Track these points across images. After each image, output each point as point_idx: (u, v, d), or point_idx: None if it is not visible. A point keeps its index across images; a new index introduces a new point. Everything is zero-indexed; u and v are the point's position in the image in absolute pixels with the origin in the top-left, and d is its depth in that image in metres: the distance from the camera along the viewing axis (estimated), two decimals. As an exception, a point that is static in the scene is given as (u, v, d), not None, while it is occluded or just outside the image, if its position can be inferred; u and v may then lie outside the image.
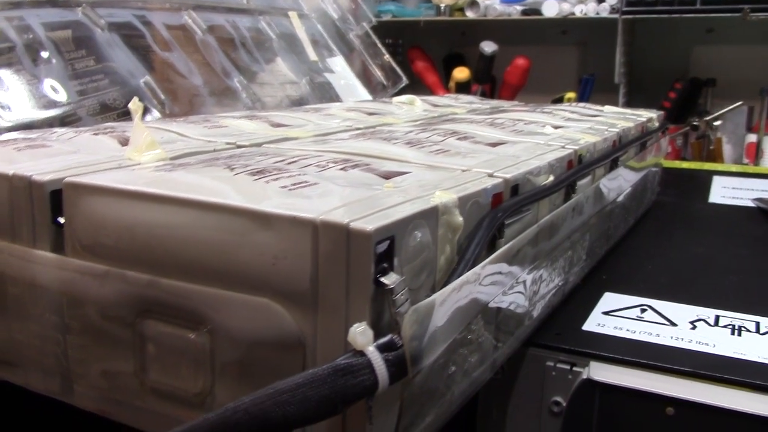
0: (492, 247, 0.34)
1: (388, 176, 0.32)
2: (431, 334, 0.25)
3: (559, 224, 0.43)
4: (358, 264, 0.24)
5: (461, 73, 1.54)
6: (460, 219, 0.30)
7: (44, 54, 0.56)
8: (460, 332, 0.30)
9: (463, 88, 1.52)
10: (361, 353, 0.24)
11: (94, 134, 0.40)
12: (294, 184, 0.29)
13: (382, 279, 0.25)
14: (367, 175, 0.32)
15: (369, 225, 0.24)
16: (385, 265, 0.25)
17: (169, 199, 0.27)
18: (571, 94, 1.50)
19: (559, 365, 0.43)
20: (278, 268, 0.25)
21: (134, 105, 0.38)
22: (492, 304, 0.34)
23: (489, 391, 0.46)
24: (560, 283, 0.46)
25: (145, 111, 0.61)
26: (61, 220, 0.31)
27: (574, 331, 0.45)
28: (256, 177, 0.29)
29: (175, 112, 0.64)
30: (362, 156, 0.37)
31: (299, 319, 0.25)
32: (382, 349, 0.24)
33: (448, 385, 0.30)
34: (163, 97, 0.63)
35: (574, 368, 0.42)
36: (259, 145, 0.42)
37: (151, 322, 0.29)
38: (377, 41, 1.04)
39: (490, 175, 0.36)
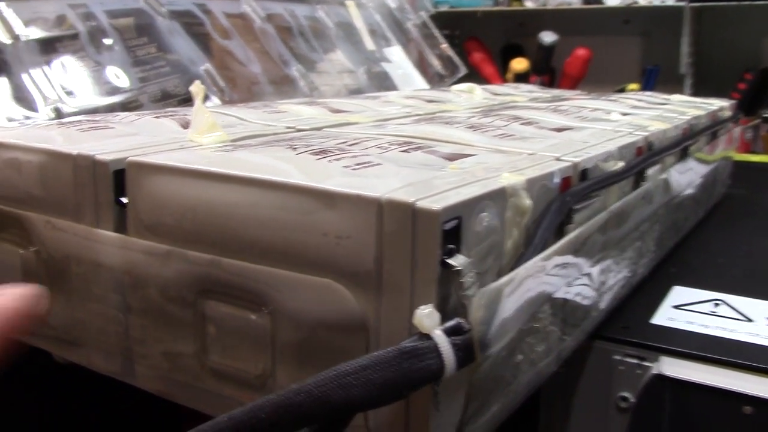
0: (560, 234, 0.32)
1: (452, 158, 0.31)
2: (499, 319, 0.24)
3: (628, 212, 0.41)
4: (424, 244, 0.23)
5: (519, 64, 1.51)
6: (529, 202, 0.29)
7: (107, 41, 0.57)
8: (527, 320, 0.28)
9: (521, 79, 1.49)
10: (427, 336, 0.23)
11: (156, 117, 0.40)
12: (357, 164, 0.28)
13: (449, 260, 0.24)
14: (430, 157, 0.31)
15: (436, 204, 0.23)
16: (452, 246, 0.24)
17: (231, 177, 0.27)
18: (633, 86, 1.46)
19: (626, 359, 0.41)
20: (341, 248, 0.25)
21: (196, 88, 0.38)
22: (559, 294, 0.33)
23: (553, 384, 0.44)
24: (628, 275, 0.44)
25: (205, 98, 0.61)
26: (124, 199, 0.30)
27: (642, 325, 0.44)
28: (318, 157, 0.29)
29: (235, 100, 0.64)
30: (424, 139, 0.36)
31: (363, 301, 0.25)
32: (449, 332, 0.23)
33: (515, 374, 0.29)
34: (222, 84, 0.64)
35: (643, 363, 0.41)
36: (319, 129, 0.42)
37: (212, 303, 0.28)
38: (435, 31, 1.03)
39: (558, 159, 0.34)
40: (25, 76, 0.52)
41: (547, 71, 1.59)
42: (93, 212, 0.31)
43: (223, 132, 0.37)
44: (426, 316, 0.23)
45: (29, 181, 0.33)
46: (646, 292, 0.49)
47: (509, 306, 0.25)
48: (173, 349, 0.30)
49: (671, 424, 0.39)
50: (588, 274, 0.36)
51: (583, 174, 0.35)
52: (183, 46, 0.63)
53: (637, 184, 0.43)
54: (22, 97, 0.51)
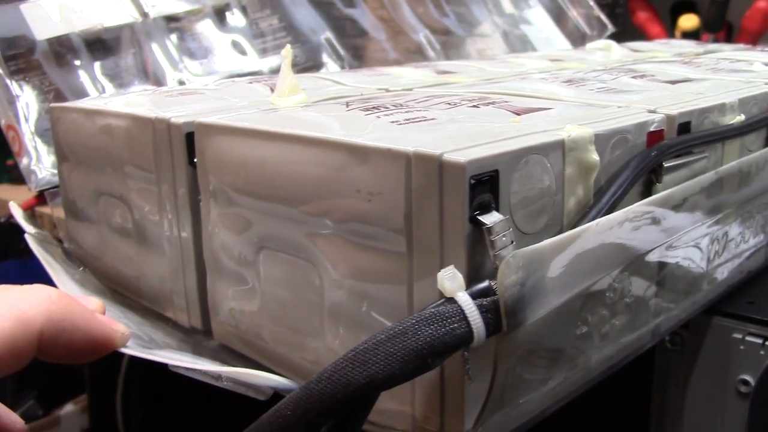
0: (648, 195, 0.29)
1: (521, 112, 0.29)
2: (539, 282, 0.22)
3: (753, 173, 0.36)
4: (451, 200, 0.22)
5: (688, 21, 1.39)
6: (595, 157, 0.26)
7: (230, 14, 0.59)
8: (592, 287, 0.26)
9: (690, 38, 1.37)
10: (452, 300, 0.21)
11: (249, 83, 0.41)
12: (407, 119, 0.27)
13: (481, 217, 0.22)
14: (498, 111, 0.29)
15: (464, 157, 0.22)
16: (487, 202, 0.22)
17: (275, 135, 0.27)
18: (824, 38, 1.29)
19: (749, 338, 0.37)
20: (374, 205, 0.24)
21: (285, 51, 0.38)
22: (649, 259, 0.29)
23: (666, 362, 0.40)
24: (757, 245, 0.39)
25: (323, 67, 0.62)
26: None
27: (771, 301, 0.39)
28: (368, 112, 0.28)
29: (355, 68, 0.64)
30: (507, 95, 0.34)
31: (396, 262, 0.24)
32: (476, 295, 0.21)
33: (580, 347, 0.27)
34: (342, 53, 0.64)
35: (767, 343, 0.36)
36: (410, 89, 0.40)
37: (267, 260, 0.28)
38: (582, -11, 0.97)
39: (651, 111, 0.31)
40: (153, 51, 0.55)
41: (721, 27, 1.44)
42: (170, 173, 0.33)
43: (306, 95, 0.37)
44: (448, 278, 0.21)
45: (119, 145, 0.34)
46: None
47: (557, 268, 0.23)
48: (238, 306, 0.30)
49: (794, 413, 0.34)
50: (697, 237, 0.32)
51: (684, 128, 0.31)
52: (305, 15, 0.64)
53: (769, 142, 0.38)
54: (151, 72, 0.54)
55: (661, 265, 0.31)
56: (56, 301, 0.23)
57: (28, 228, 0.41)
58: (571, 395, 0.28)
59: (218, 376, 0.25)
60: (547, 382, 0.26)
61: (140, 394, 0.68)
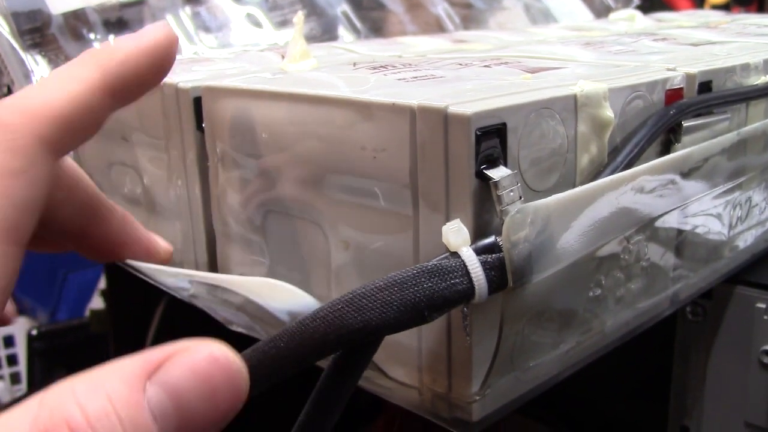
0: (666, 154, 0.28)
1: (534, 71, 0.28)
2: (548, 239, 0.21)
3: (778, 136, 0.35)
4: (457, 154, 0.21)
5: (717, -6, 1.35)
6: (610, 113, 0.25)
7: (246, -14, 0.58)
8: (606, 249, 0.25)
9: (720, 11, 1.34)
10: (455, 254, 0.21)
11: (261, 51, 0.40)
12: (414, 77, 0.26)
13: (487, 172, 0.21)
14: (510, 70, 0.28)
15: (470, 109, 0.21)
16: (494, 157, 0.21)
17: (280, 95, 0.26)
18: None
19: (772, 308, 0.36)
20: (379, 162, 0.23)
21: (296, 18, 0.38)
22: (664, 223, 0.29)
23: (688, 331, 0.39)
24: (783, 212, 0.38)
25: (339, 40, 0.61)
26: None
27: (798, 270, 0.37)
28: (375, 71, 0.27)
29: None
30: (521, 57, 0.33)
31: (402, 219, 0.23)
32: (480, 251, 0.21)
33: (593, 311, 0.26)
34: (359, 26, 0.63)
35: (792, 312, 0.35)
36: (423, 55, 0.40)
37: (273, 223, 0.28)
38: (607, -40, 0.95)
39: (670, 69, 0.29)
40: (169, 22, 0.55)
41: (753, 0, 1.41)
42: (179, 139, 0.32)
43: (316, 61, 0.36)
44: (453, 232, 0.21)
45: (130, 114, 0.34)
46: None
47: (567, 225, 0.22)
48: (247, 271, 0.30)
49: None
50: (717, 202, 0.31)
51: (705, 87, 0.30)
52: (322, -12, 0.63)
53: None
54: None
55: (680, 230, 0.30)
56: (95, 53, 0.22)
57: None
58: (586, 360, 0.27)
59: (239, 304, 0.25)
60: (559, 346, 0.25)
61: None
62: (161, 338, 0.73)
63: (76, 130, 0.21)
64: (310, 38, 0.60)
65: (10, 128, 0.20)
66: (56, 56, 0.52)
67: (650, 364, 0.42)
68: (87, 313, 1.13)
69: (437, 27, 0.72)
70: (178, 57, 0.45)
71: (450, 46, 0.45)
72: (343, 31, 0.63)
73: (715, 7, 1.35)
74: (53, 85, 0.21)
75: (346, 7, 0.63)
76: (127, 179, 0.36)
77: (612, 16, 0.68)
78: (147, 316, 0.66)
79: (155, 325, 0.67)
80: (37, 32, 0.52)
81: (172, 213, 0.33)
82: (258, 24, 0.58)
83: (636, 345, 0.30)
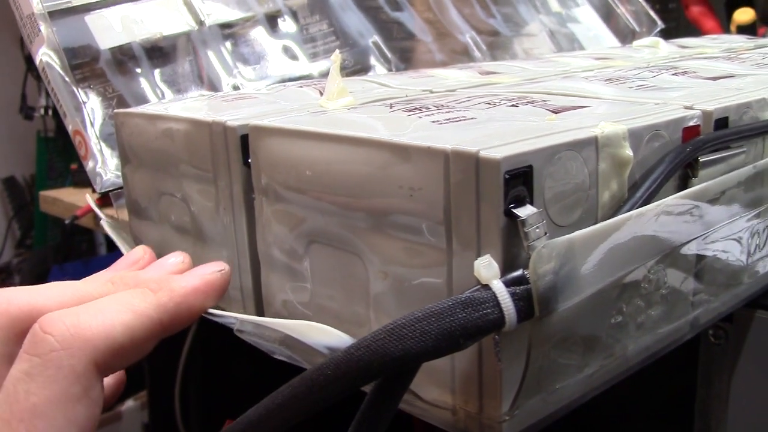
0: (684, 188, 0.30)
1: (558, 111, 0.30)
2: (572, 272, 0.23)
3: (795, 168, 0.36)
4: (487, 194, 0.23)
5: (743, 14, 1.36)
6: (629, 152, 0.27)
7: (282, 20, 0.61)
8: (627, 278, 0.27)
9: (745, 32, 1.34)
10: (487, 287, 0.23)
11: (299, 87, 0.43)
12: (447, 119, 0.28)
13: (515, 210, 0.23)
14: (536, 110, 0.30)
15: (499, 153, 0.23)
16: (522, 196, 0.23)
17: (324, 136, 0.28)
18: None
19: (792, 332, 0.37)
20: (415, 200, 0.25)
21: (334, 56, 0.40)
22: (686, 251, 0.30)
23: (711, 356, 0.41)
24: (802, 239, 0.39)
25: (371, 70, 0.64)
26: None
27: (818, 295, 0.39)
28: (410, 113, 0.29)
29: (403, 70, 0.66)
30: (546, 94, 0.35)
31: (437, 253, 0.25)
32: (510, 283, 0.23)
33: (615, 336, 0.28)
34: (390, 55, 0.65)
35: (811, 337, 0.36)
36: (453, 90, 0.42)
37: (316, 253, 0.30)
38: (631, -15, 0.96)
39: (688, 108, 0.31)
40: (209, 57, 0.58)
41: (779, 20, 1.41)
42: (227, 173, 0.35)
43: (353, 98, 0.38)
44: (484, 266, 0.23)
45: (179, 147, 0.37)
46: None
47: (589, 258, 0.24)
48: (289, 297, 0.32)
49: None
50: (736, 231, 0.33)
51: (721, 123, 0.32)
52: (353, 20, 0.66)
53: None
54: (206, 77, 0.57)
55: (699, 257, 0.31)
56: (156, 289, 0.26)
57: (102, 215, 0.44)
58: (609, 383, 0.29)
59: (281, 338, 0.27)
60: (584, 369, 0.27)
61: (198, 390, 0.71)
62: (193, 352, 0.75)
63: (127, 357, 0.25)
64: (343, 69, 0.63)
65: (68, 353, 0.23)
66: (105, 89, 0.55)
67: (673, 384, 0.43)
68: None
69: (465, 55, 0.74)
70: (221, 93, 0.48)
71: (478, 78, 0.47)
72: (374, 60, 0.65)
73: (742, 27, 1.35)
74: (111, 314, 0.24)
75: (377, 38, 0.65)
76: (175, 209, 0.39)
77: (636, 43, 0.69)
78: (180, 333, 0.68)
79: (188, 343, 0.69)
80: (86, 66, 0.55)
81: (219, 242, 0.36)
82: (294, 56, 0.60)
83: (661, 368, 0.32)
